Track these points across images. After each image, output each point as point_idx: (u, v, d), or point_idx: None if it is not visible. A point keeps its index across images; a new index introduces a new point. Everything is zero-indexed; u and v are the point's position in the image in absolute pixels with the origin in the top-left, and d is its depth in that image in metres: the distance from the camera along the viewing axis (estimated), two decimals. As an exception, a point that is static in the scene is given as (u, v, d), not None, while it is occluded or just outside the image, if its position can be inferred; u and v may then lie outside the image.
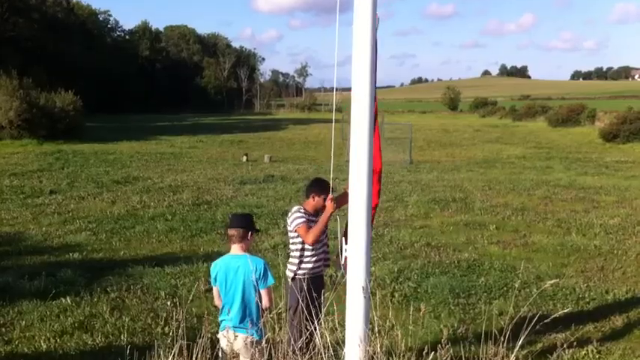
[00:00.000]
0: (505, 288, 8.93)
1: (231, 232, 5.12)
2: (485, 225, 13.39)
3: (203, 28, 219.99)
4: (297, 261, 5.76)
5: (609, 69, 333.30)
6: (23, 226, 13.15)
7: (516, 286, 8.77)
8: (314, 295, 5.42)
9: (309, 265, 5.75)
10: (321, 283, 5.95)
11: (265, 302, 4.98)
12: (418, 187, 18.86)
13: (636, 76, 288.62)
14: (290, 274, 5.81)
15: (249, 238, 5.15)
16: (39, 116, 33.74)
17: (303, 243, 5.70)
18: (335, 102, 7.65)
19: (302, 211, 5.73)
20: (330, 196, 5.53)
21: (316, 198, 5.77)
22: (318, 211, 5.77)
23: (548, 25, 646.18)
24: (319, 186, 5.86)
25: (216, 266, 5.16)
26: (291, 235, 5.82)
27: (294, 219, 5.70)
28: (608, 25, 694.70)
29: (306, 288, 5.52)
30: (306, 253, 5.74)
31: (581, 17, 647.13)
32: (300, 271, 5.74)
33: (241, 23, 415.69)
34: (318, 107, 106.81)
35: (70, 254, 10.75)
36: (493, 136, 44.47)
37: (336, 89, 5.96)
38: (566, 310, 6.25)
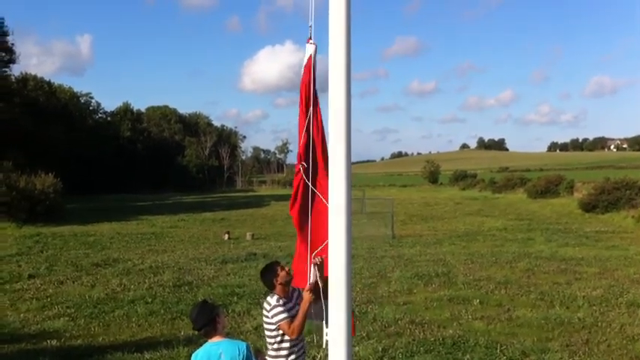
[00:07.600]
0: (491, 365, 8.84)
1: (200, 332, 5.03)
2: (469, 300, 13.34)
3: (189, 108, 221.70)
4: (285, 352, 5.61)
5: (585, 140, 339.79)
6: (1, 312, 12.88)
7: (502, 362, 8.69)
8: None
9: (293, 356, 5.63)
10: None
11: None
12: (401, 262, 18.81)
13: (612, 147, 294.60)
14: None
15: (218, 323, 5.05)
16: (18, 199, 33.60)
17: (283, 335, 5.53)
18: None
19: (280, 301, 5.57)
20: (308, 286, 5.38)
21: (279, 279, 5.63)
22: (290, 287, 5.66)
23: (526, 100, 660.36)
24: (270, 270, 5.68)
25: (197, 356, 5.01)
26: (270, 327, 5.61)
27: (275, 314, 5.49)
28: (584, 98, 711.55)
29: None
30: (290, 344, 5.59)
31: (558, 91, 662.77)
32: None
33: (227, 102, 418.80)
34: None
35: (48, 341, 10.51)
36: (474, 209, 44.83)
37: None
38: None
